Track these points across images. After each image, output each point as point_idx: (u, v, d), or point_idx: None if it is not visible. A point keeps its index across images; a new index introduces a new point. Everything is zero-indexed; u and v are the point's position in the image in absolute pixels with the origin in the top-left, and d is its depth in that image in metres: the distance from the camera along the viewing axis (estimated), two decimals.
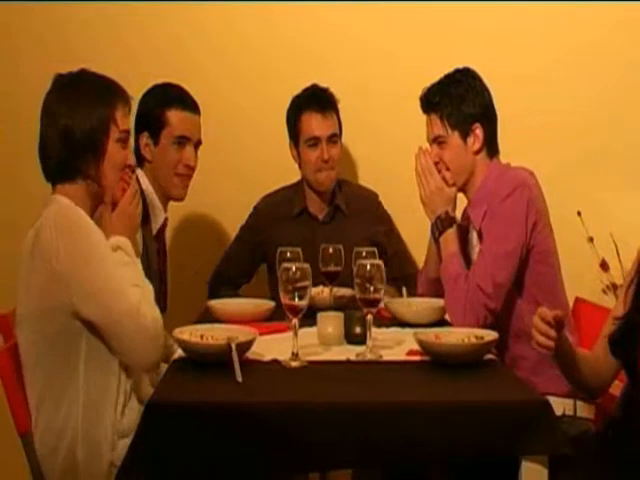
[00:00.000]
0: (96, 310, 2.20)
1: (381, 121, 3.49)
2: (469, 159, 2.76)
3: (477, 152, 2.76)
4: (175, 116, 2.88)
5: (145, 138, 2.89)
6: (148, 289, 2.34)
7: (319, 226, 3.24)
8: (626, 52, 3.48)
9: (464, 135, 2.75)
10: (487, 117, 2.77)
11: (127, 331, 2.21)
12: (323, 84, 3.22)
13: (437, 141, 2.79)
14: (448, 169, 2.78)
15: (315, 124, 3.18)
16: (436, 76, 2.80)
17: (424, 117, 2.82)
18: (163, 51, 3.49)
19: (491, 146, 2.78)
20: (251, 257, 3.29)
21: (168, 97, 2.90)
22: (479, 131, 2.75)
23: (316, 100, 3.19)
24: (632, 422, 2.14)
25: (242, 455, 1.96)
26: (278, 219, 3.24)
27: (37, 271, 2.21)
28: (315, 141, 3.17)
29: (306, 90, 3.23)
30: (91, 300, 2.19)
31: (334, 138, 3.20)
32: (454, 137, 2.76)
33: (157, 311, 2.30)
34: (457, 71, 2.80)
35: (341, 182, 3.30)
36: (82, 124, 2.28)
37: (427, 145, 2.82)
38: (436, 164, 2.79)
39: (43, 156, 2.33)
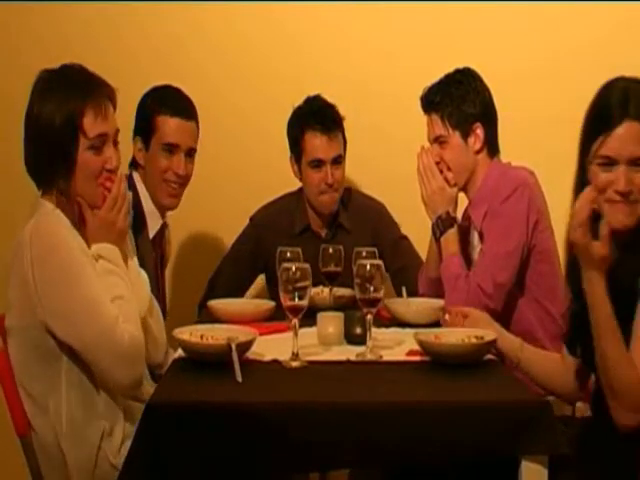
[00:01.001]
0: (69, 331, 2.14)
1: (381, 121, 3.49)
2: (470, 159, 2.77)
3: (478, 152, 2.77)
4: (165, 122, 2.80)
5: (139, 143, 2.85)
6: (134, 298, 2.24)
7: (323, 243, 3.02)
8: (626, 52, 3.47)
9: (465, 135, 2.76)
10: (488, 117, 2.78)
11: (102, 353, 2.14)
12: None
13: (438, 141, 2.79)
14: (449, 169, 2.78)
15: (320, 146, 3.04)
16: (436, 76, 2.80)
17: (424, 117, 2.82)
18: (163, 51, 3.49)
19: (492, 146, 2.79)
20: (252, 268, 3.18)
21: (160, 102, 2.82)
22: (480, 131, 2.76)
23: (322, 120, 3.04)
24: (601, 420, 2.11)
25: (242, 455, 1.95)
26: (279, 233, 3.10)
27: (15, 287, 2.18)
28: (319, 163, 3.06)
29: (310, 103, 3.09)
30: (63, 322, 2.14)
31: (339, 159, 3.08)
32: (455, 137, 2.76)
33: (137, 327, 2.20)
34: (457, 71, 2.80)
35: (345, 193, 3.19)
36: (50, 119, 2.18)
37: (428, 144, 2.82)
38: (437, 164, 2.79)
39: (25, 162, 2.26)
